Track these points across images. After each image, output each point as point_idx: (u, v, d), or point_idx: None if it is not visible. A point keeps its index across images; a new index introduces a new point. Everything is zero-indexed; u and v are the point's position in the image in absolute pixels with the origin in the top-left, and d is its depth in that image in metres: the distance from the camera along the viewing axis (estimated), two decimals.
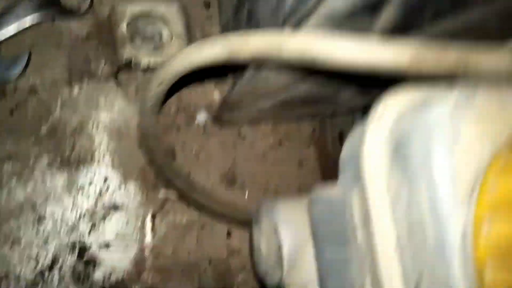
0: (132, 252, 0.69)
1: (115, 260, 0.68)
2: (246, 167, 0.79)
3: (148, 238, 0.70)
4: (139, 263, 0.70)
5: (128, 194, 0.70)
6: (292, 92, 0.63)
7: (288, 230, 0.48)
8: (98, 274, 0.67)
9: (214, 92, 0.80)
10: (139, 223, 0.70)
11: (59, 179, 0.66)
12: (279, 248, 0.48)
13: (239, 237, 0.78)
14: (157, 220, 0.71)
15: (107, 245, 0.68)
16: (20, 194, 0.65)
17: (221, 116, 0.71)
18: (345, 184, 0.38)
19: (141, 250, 0.70)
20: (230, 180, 0.77)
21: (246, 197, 0.80)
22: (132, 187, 0.70)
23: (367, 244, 0.34)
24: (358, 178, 0.35)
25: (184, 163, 0.74)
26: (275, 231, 0.49)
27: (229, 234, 0.77)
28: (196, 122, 0.78)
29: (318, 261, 0.42)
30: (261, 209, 0.53)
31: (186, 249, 0.73)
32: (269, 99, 0.66)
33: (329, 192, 0.40)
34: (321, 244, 0.42)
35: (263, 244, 0.53)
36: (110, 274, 0.68)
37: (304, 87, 0.60)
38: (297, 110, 0.75)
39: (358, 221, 0.35)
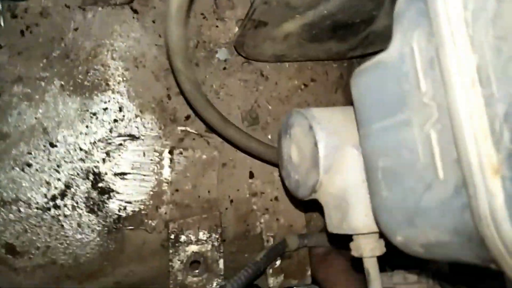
0: (149, 184, 0.64)
1: (131, 191, 0.63)
2: (269, 108, 0.75)
3: (166, 172, 0.65)
4: (157, 196, 0.65)
5: (144, 126, 0.65)
6: (323, 9, 0.58)
7: (324, 129, 0.43)
8: (113, 205, 0.62)
9: (235, 29, 0.75)
10: (157, 156, 0.65)
11: (72, 105, 0.62)
12: (315, 147, 0.43)
13: (262, 178, 0.73)
14: (176, 154, 0.67)
15: (122, 176, 0.63)
16: (31, 117, 0.60)
17: (242, 44, 0.66)
18: (402, 33, 0.33)
19: (159, 183, 0.65)
20: (252, 120, 0.72)
21: (269, 137, 0.75)
22: (149, 119, 0.66)
23: (436, 88, 0.29)
24: (423, 13, 0.30)
25: None
26: (310, 129, 0.44)
27: (251, 175, 0.72)
28: (217, 58, 0.74)
29: (366, 149, 0.37)
30: (291, 115, 0.48)
31: (206, 186, 0.68)
32: (295, 21, 0.61)
33: (379, 57, 0.35)
34: (369, 125, 0.36)
35: (293, 151, 0.48)
36: (126, 205, 0.63)
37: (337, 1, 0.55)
38: (325, 44, 0.70)
39: (423, 66, 0.30)
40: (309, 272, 0.74)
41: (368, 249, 0.41)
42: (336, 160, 0.41)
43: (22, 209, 0.59)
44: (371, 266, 0.41)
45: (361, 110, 0.36)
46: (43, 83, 0.62)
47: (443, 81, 0.28)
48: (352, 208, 0.40)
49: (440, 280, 0.60)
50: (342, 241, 0.47)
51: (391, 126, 0.33)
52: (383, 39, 0.67)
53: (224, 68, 0.74)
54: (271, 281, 0.72)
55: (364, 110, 0.35)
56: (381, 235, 0.42)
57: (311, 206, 0.78)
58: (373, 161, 0.35)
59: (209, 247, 0.64)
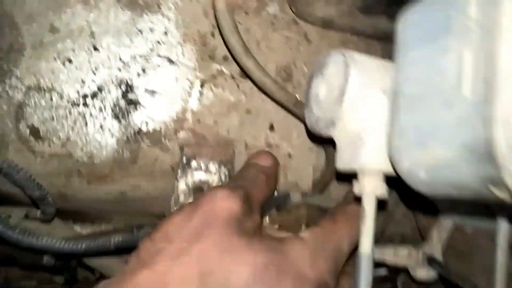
0: (174, 108, 0.66)
1: (156, 110, 0.65)
2: (305, 71, 0.76)
3: (193, 102, 0.67)
4: (178, 121, 0.67)
5: (183, 54, 0.67)
6: None
7: (358, 68, 0.44)
8: (137, 117, 0.64)
9: None
10: (188, 85, 0.67)
11: (122, 17, 0.65)
12: (345, 81, 0.43)
13: (280, 133, 0.74)
14: (205, 88, 0.68)
15: (152, 93, 0.65)
16: (82, 19, 0.63)
17: (294, 2, 0.67)
18: None
19: (184, 110, 0.67)
20: (286, 76, 0.73)
21: (297, 96, 0.76)
22: (189, 49, 0.68)
23: (483, 10, 0.29)
24: None
25: None
26: (345, 67, 0.44)
27: (271, 127, 0.73)
28: (266, 11, 0.75)
29: (397, 79, 0.38)
30: (329, 54, 0.49)
31: (226, 125, 0.70)
32: None
33: None
34: (406, 54, 0.37)
35: (322, 89, 0.49)
36: (148, 122, 0.65)
37: None
38: (375, 18, 0.70)
39: None
40: (303, 229, 0.74)
41: (369, 186, 0.41)
42: (362, 99, 0.42)
43: (54, 99, 0.62)
44: (368, 204, 0.41)
45: (401, 43, 0.36)
46: None
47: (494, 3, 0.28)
48: (365, 145, 0.41)
49: (432, 263, 0.60)
50: None
51: (428, 53, 0.34)
52: None
53: (272, 23, 0.75)
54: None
55: (404, 41, 0.36)
56: (386, 179, 0.42)
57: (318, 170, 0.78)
58: (401, 89, 0.35)
59: (216, 179, 0.65)
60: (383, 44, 0.83)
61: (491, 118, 0.25)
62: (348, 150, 0.44)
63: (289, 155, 0.74)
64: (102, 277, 0.89)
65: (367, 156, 0.42)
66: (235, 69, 0.72)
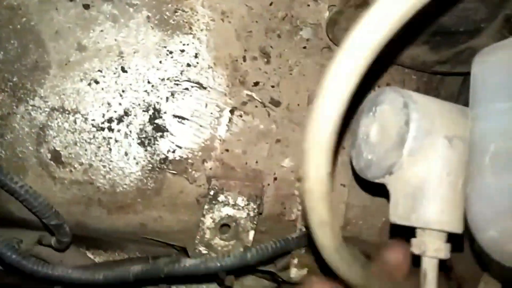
0: (203, 136, 0.63)
1: (184, 137, 0.62)
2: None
3: (222, 130, 0.63)
4: (206, 149, 0.63)
5: (214, 79, 0.64)
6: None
7: (419, 111, 0.40)
8: (163, 144, 0.61)
9: (325, 13, 0.73)
10: (217, 112, 0.63)
11: (152, 38, 0.62)
12: (405, 126, 0.39)
13: None
14: (235, 116, 0.65)
15: (181, 119, 0.61)
16: (111, 38, 0.60)
17: (335, 23, 0.64)
18: None
19: (212, 138, 0.63)
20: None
21: None
22: (220, 73, 0.64)
23: None
24: None
25: (275, 71, 0.67)
26: (404, 107, 0.40)
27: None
28: (300, 36, 0.72)
29: (476, 131, 0.33)
30: (383, 92, 0.45)
31: (255, 156, 0.66)
32: None
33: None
34: (487, 105, 0.33)
35: (374, 130, 0.45)
36: (175, 149, 0.61)
37: None
38: (415, 48, 0.66)
39: None
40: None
41: (432, 248, 0.37)
42: (424, 146, 0.38)
43: (78, 121, 0.58)
44: (430, 268, 0.37)
45: (481, 89, 0.32)
46: (131, 10, 0.62)
47: None
48: (428, 200, 0.37)
49: None
50: None
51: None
52: None
53: (304, 47, 0.72)
54: (293, 272, 0.68)
55: (485, 89, 0.32)
56: (449, 239, 0.38)
57: (352, 209, 0.74)
58: (483, 145, 0.31)
59: (244, 214, 0.61)
60: (419, 74, 0.79)
61: None
62: (406, 203, 0.40)
63: None
64: None
65: (430, 213, 0.37)
66: (266, 96, 0.68)
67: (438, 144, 0.38)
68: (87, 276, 0.58)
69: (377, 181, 0.44)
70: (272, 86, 0.69)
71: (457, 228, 0.38)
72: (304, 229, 0.68)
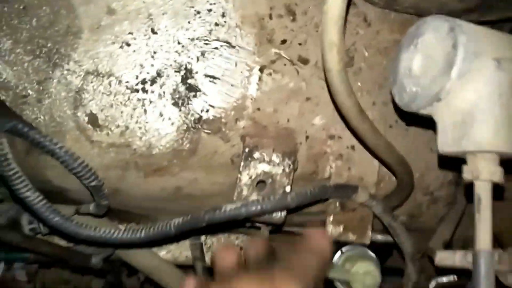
0: (234, 95, 0.63)
1: (216, 96, 0.62)
2: (365, 55, 0.72)
3: (253, 88, 0.64)
4: (238, 109, 0.63)
5: (242, 38, 0.64)
6: None
7: (466, 33, 0.40)
8: (197, 104, 0.62)
9: None
10: (247, 70, 0.64)
11: None
12: (452, 49, 0.39)
13: (343, 123, 0.70)
14: (265, 74, 0.65)
15: (212, 78, 0.62)
16: (139, 0, 0.60)
17: None
18: None
19: (244, 97, 0.64)
20: (348, 61, 0.69)
21: (359, 84, 0.72)
22: (248, 32, 0.64)
23: None
24: None
25: (301, 28, 0.67)
26: (450, 32, 0.40)
27: (333, 116, 0.69)
28: None
29: None
30: (424, 22, 0.45)
31: (286, 114, 0.66)
32: None
33: None
34: None
35: (416, 62, 0.44)
36: (209, 109, 0.62)
37: None
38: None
39: None
40: (369, 232, 0.70)
41: (486, 171, 0.36)
42: (473, 69, 0.38)
43: (112, 84, 0.59)
44: (484, 192, 0.37)
45: None
46: None
47: None
48: (479, 122, 0.37)
49: None
50: None
51: None
52: (506, 6, 0.62)
53: None
54: (330, 228, 0.69)
55: None
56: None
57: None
58: None
59: (280, 170, 0.62)
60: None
61: None
62: (456, 130, 0.40)
63: (353, 147, 0.70)
64: (147, 280, 0.85)
65: (482, 136, 0.37)
66: (294, 53, 0.68)
67: (487, 66, 0.38)
68: (129, 235, 0.59)
69: (423, 111, 0.43)
70: (300, 44, 0.69)
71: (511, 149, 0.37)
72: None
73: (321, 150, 0.70)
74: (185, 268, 0.86)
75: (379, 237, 0.80)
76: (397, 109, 0.63)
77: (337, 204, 0.70)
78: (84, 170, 0.58)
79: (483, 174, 0.37)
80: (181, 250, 0.88)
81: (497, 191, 0.52)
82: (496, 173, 0.38)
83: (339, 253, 0.74)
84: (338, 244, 0.75)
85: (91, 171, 0.59)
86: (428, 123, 0.48)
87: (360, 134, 0.55)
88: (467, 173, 0.39)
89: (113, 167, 0.63)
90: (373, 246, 0.77)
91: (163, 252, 0.86)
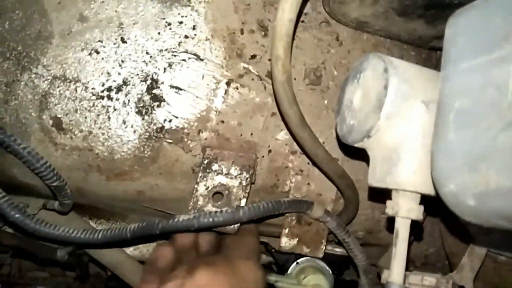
0: (199, 107, 0.65)
1: (180, 107, 0.65)
2: (334, 74, 0.73)
3: (218, 101, 0.66)
4: (202, 120, 0.66)
5: (211, 51, 0.66)
6: None
7: (398, 75, 0.42)
8: (160, 113, 0.64)
9: None
10: (214, 83, 0.66)
11: (151, 9, 0.65)
12: (383, 90, 0.41)
13: None
14: (231, 88, 0.67)
15: (177, 89, 0.64)
16: (111, 9, 0.63)
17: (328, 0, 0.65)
18: None
19: (208, 109, 0.66)
20: (315, 78, 0.71)
21: (325, 102, 0.74)
22: (217, 46, 0.66)
23: None
24: None
25: None
26: (384, 72, 0.42)
27: None
28: None
29: (444, 91, 0.35)
30: (366, 59, 0.47)
31: (250, 127, 0.68)
32: None
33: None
34: (456, 65, 0.35)
35: (357, 96, 0.47)
36: (172, 119, 0.64)
37: None
38: (412, 22, 0.67)
39: None
40: (323, 246, 0.73)
41: (405, 208, 0.39)
42: (401, 110, 0.40)
43: (78, 90, 0.62)
44: (402, 227, 0.39)
45: (451, 50, 0.34)
46: None
47: None
48: (402, 162, 0.39)
49: None
50: None
51: (483, 64, 0.31)
52: None
53: (302, 21, 0.73)
54: (284, 241, 0.72)
55: (455, 49, 0.33)
56: (422, 201, 0.40)
57: None
58: (449, 103, 0.33)
59: (237, 183, 0.64)
60: (417, 50, 0.80)
61: None
62: (383, 166, 0.42)
63: (314, 163, 0.72)
64: (113, 275, 0.88)
65: (404, 175, 0.40)
66: (263, 69, 0.70)
67: (415, 108, 0.40)
68: (86, 235, 0.62)
69: (357, 145, 0.46)
70: (269, 60, 0.71)
71: (430, 190, 0.40)
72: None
73: (282, 164, 0.73)
74: None
75: (338, 250, 0.83)
76: None
77: (294, 217, 0.72)
78: (47, 171, 0.61)
79: (402, 211, 0.40)
80: (149, 248, 0.91)
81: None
82: (413, 211, 0.40)
83: (294, 264, 0.77)
84: (295, 256, 0.78)
85: (53, 171, 0.61)
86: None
87: (300, 141, 0.58)
88: (388, 208, 0.41)
89: (76, 169, 0.65)
90: (331, 259, 0.80)
91: (131, 249, 0.89)
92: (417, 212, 0.40)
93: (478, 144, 0.30)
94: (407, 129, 0.40)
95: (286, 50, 0.46)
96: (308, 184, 0.73)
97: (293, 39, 0.49)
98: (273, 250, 0.80)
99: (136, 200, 0.72)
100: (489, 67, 0.31)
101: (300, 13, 0.47)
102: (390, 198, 0.42)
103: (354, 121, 0.46)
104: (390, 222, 0.42)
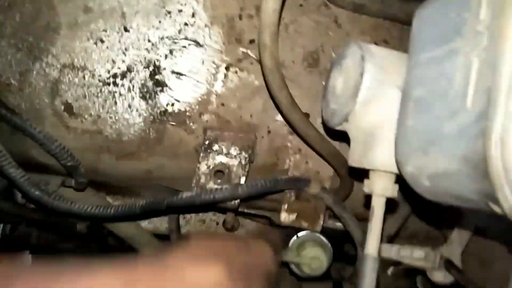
0: (199, 91, 0.69)
1: (182, 91, 0.68)
2: (333, 56, 0.75)
3: (218, 85, 0.69)
4: (203, 103, 0.69)
5: (210, 37, 0.69)
6: None
7: (374, 63, 0.44)
8: (163, 98, 0.67)
9: None
10: (214, 68, 0.68)
11: None
12: (360, 77, 0.43)
13: None
14: (231, 72, 0.70)
15: (179, 75, 0.67)
16: (114, 0, 0.65)
17: None
18: None
19: (209, 93, 0.69)
20: (313, 62, 0.73)
21: (323, 83, 0.76)
22: (216, 32, 0.69)
23: (493, 15, 0.28)
24: None
25: None
26: (361, 60, 0.44)
27: None
28: None
29: (408, 80, 0.37)
30: (348, 46, 0.49)
31: (250, 110, 0.71)
32: None
33: None
34: (418, 55, 0.37)
35: (339, 82, 0.49)
36: (174, 103, 0.67)
37: None
38: (409, 2, 0.67)
39: None
40: (320, 221, 0.76)
41: (380, 187, 0.42)
42: (376, 95, 0.42)
43: (86, 77, 0.66)
44: (377, 205, 0.42)
45: (415, 41, 0.36)
46: None
47: (502, 7, 0.27)
48: (377, 144, 0.41)
49: (450, 268, 0.60)
50: None
51: (438, 56, 0.33)
52: None
53: (301, 5, 0.74)
54: (283, 216, 0.75)
55: (418, 40, 0.35)
56: (397, 180, 0.43)
57: None
58: (410, 91, 0.35)
59: (236, 162, 0.68)
60: None
61: (488, 134, 0.25)
62: (361, 148, 0.44)
63: None
64: (130, 247, 0.94)
65: (379, 156, 0.42)
66: None
67: (390, 94, 0.42)
68: (100, 210, 0.68)
69: (338, 128, 0.48)
70: None
71: None
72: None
73: (281, 144, 0.76)
74: (166, 237, 0.95)
75: (338, 224, 0.86)
76: None
77: (293, 194, 0.76)
78: (61, 152, 0.66)
79: (377, 189, 0.42)
80: (162, 222, 0.97)
81: None
82: (388, 190, 0.43)
83: (294, 237, 0.81)
84: (295, 229, 0.82)
85: (67, 152, 0.66)
86: None
87: (292, 124, 0.61)
88: (365, 187, 0.44)
89: (88, 150, 0.70)
90: (330, 233, 0.84)
91: (146, 222, 0.95)
92: (391, 190, 0.43)
93: (429, 131, 0.32)
94: (382, 113, 0.42)
95: (272, 38, 0.48)
96: (307, 162, 0.76)
97: (278, 27, 0.51)
98: (274, 223, 0.84)
99: (146, 179, 0.77)
100: (443, 59, 0.32)
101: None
102: (368, 177, 0.45)
103: (335, 106, 0.48)
104: (368, 199, 0.45)
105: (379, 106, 0.42)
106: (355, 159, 0.46)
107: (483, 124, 0.26)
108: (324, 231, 0.81)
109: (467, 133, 0.28)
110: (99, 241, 0.98)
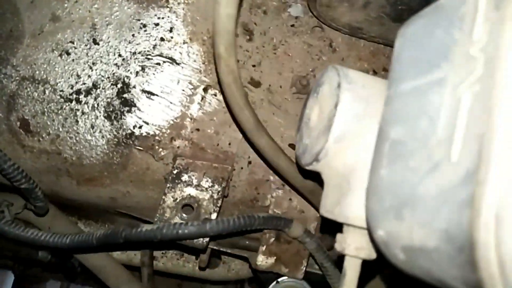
0: (172, 113, 0.62)
1: (152, 113, 0.61)
2: None
3: (194, 108, 0.62)
4: (175, 127, 0.62)
5: (189, 55, 0.62)
6: None
7: (352, 92, 0.36)
8: (130, 119, 0.61)
9: None
10: (190, 89, 0.62)
11: (127, 10, 0.61)
12: (333, 109, 0.36)
13: (288, 152, 0.66)
14: (209, 94, 0.63)
15: (150, 94, 0.61)
16: (85, 9, 0.61)
17: (314, 3, 0.59)
18: None
19: (183, 116, 0.62)
20: (302, 87, 0.66)
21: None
22: (195, 50, 0.62)
23: (491, 33, 0.20)
24: None
25: (257, 49, 0.64)
26: (337, 88, 0.36)
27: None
28: (288, 13, 0.68)
29: (384, 116, 0.29)
30: (326, 71, 0.41)
31: (228, 137, 0.64)
32: None
33: (439, 1, 0.27)
34: (397, 85, 0.29)
35: (314, 113, 0.41)
36: (142, 125, 0.60)
37: None
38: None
39: (487, 6, 0.22)
40: (303, 267, 0.67)
41: (353, 246, 0.33)
42: (353, 132, 0.34)
43: (47, 92, 0.60)
44: (350, 268, 0.33)
45: (395, 67, 0.28)
46: None
47: (502, 21, 0.19)
48: (352, 192, 0.33)
49: None
50: None
51: (420, 86, 0.25)
52: None
53: (292, 25, 0.68)
54: (260, 259, 0.67)
55: (399, 66, 0.28)
56: None
57: None
58: (387, 129, 0.27)
59: (208, 196, 0.60)
60: None
61: (477, 206, 0.17)
62: (334, 195, 0.36)
63: None
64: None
65: (353, 208, 0.34)
66: (246, 75, 0.66)
67: (370, 130, 0.34)
68: (55, 240, 0.60)
69: (308, 168, 0.40)
70: (253, 66, 0.67)
71: None
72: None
73: (263, 177, 0.68)
74: (138, 270, 0.87)
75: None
76: None
77: (272, 234, 0.67)
78: (14, 172, 0.59)
79: (350, 249, 0.34)
80: (136, 253, 0.89)
81: None
82: (363, 250, 0.34)
83: (274, 283, 0.72)
84: (276, 275, 0.73)
85: (22, 173, 0.59)
86: None
87: (259, 149, 0.52)
88: (337, 243, 0.36)
89: (46, 172, 0.63)
90: (314, 279, 0.75)
91: (118, 252, 0.88)
92: (367, 251, 0.34)
93: (405, 185, 0.24)
94: (360, 154, 0.34)
95: (227, 48, 0.41)
96: (290, 199, 0.68)
97: (234, 36, 0.44)
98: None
99: (110, 206, 0.69)
100: (426, 91, 0.24)
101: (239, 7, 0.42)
102: (341, 231, 0.36)
103: (308, 141, 0.40)
104: (341, 258, 0.36)
105: (356, 145, 0.34)
106: (326, 209, 0.37)
107: (471, 189, 0.18)
108: (309, 278, 0.72)
109: (450, 197, 0.20)
110: (65, 270, 0.90)
